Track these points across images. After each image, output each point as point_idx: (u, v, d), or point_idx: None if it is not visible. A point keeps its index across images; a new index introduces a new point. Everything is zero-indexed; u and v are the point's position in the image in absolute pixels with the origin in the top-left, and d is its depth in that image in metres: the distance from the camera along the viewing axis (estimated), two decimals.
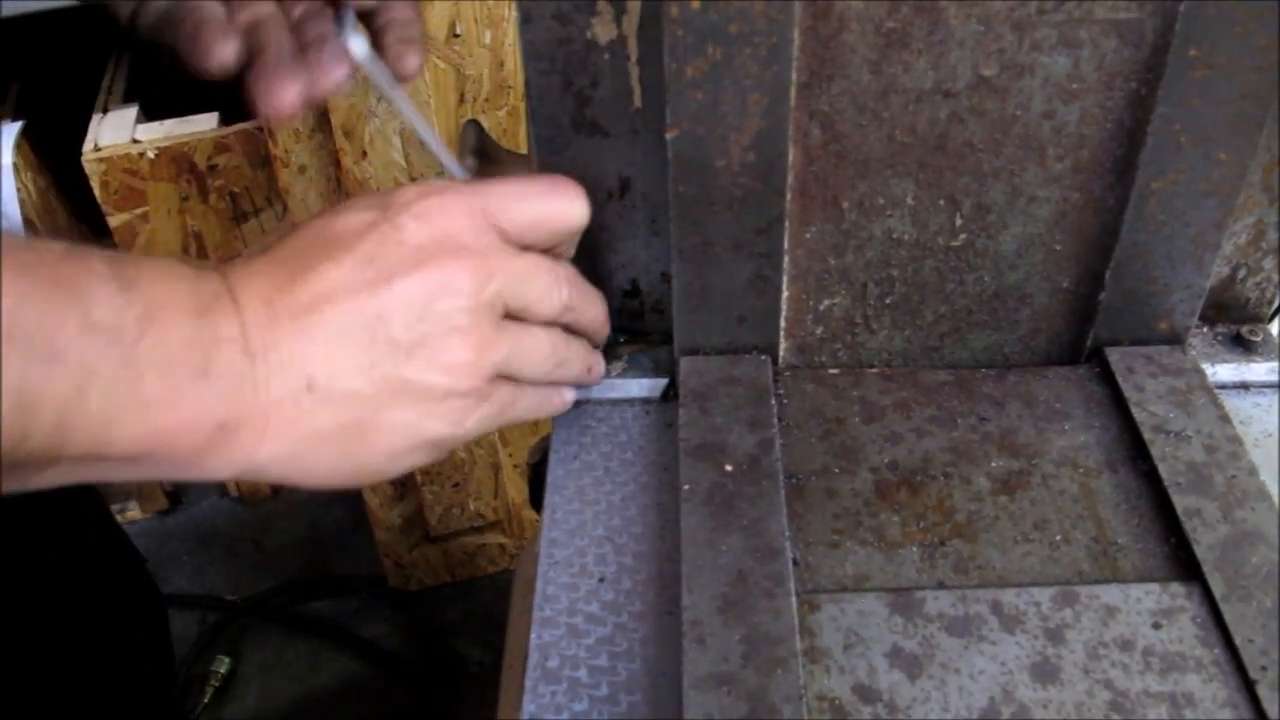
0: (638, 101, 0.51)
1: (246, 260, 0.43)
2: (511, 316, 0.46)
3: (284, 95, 0.49)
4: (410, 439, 0.44)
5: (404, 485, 1.42)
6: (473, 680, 1.45)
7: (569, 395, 0.53)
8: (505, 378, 0.47)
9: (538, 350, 0.48)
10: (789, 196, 0.52)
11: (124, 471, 0.39)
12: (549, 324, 0.49)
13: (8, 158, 1.23)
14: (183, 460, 0.39)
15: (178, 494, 1.70)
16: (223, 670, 1.44)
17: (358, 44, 0.50)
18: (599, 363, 0.55)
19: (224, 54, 0.49)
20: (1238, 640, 0.44)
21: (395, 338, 0.42)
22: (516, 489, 1.45)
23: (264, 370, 0.40)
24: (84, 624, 0.80)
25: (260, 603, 1.54)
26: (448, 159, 0.53)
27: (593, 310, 0.52)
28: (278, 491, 1.71)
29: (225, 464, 0.41)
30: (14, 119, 1.32)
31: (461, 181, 0.50)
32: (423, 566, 1.53)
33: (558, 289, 0.48)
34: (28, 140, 1.28)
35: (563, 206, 0.48)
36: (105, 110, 1.31)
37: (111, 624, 0.84)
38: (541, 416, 0.52)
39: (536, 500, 0.57)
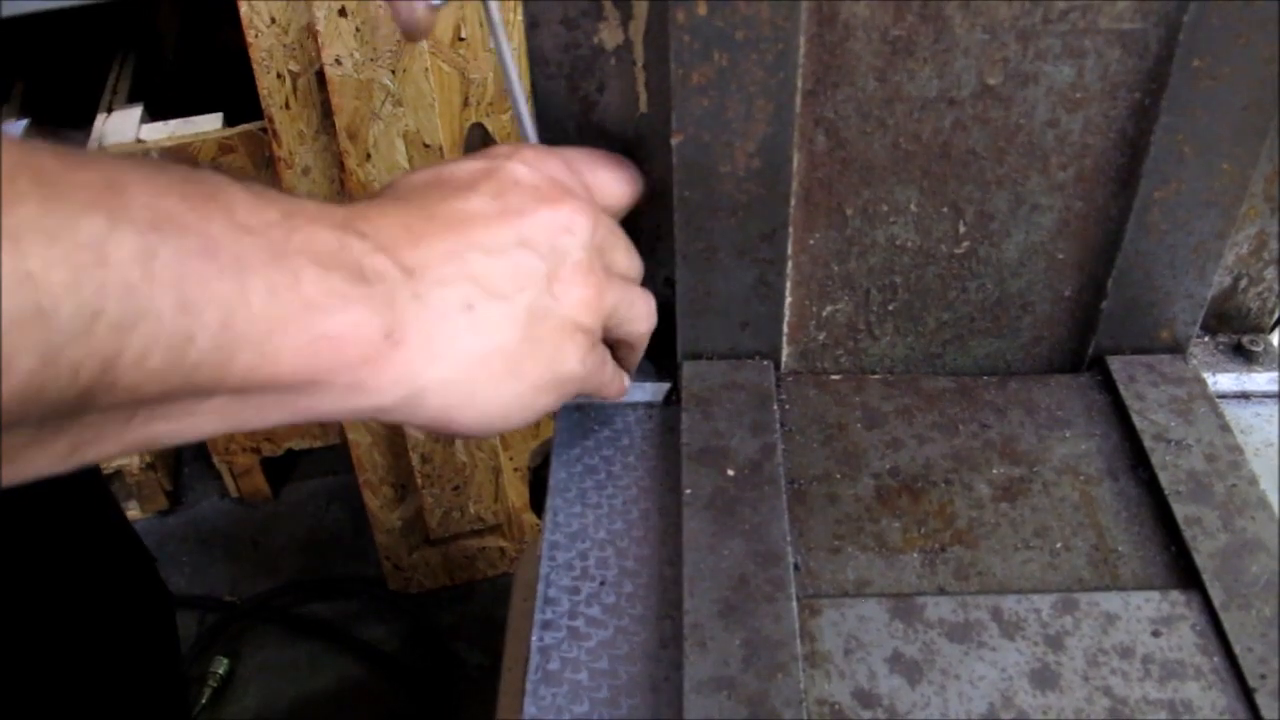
0: (643, 107, 0.51)
1: (363, 199, 0.42)
2: None
3: None
4: (550, 371, 0.44)
5: (404, 488, 1.43)
6: (471, 683, 1.45)
7: (628, 383, 0.53)
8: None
9: (640, 306, 0.49)
10: (793, 203, 0.52)
11: (287, 406, 0.36)
12: None
13: None
14: (350, 379, 0.37)
15: (177, 494, 1.70)
16: (221, 671, 1.44)
17: None
18: None
19: None
20: (1237, 648, 0.44)
21: (536, 266, 0.43)
22: (516, 493, 1.45)
23: (422, 285, 0.39)
24: (94, 623, 0.80)
25: (259, 604, 1.54)
26: (527, 119, 0.53)
27: None
28: (277, 492, 1.71)
29: (392, 383, 0.38)
30: (19, 118, 1.33)
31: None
32: (422, 569, 1.53)
33: (635, 254, 0.49)
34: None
35: (628, 177, 0.50)
36: (110, 110, 1.31)
37: (122, 623, 0.84)
38: (607, 396, 0.51)
39: (537, 504, 0.57)
